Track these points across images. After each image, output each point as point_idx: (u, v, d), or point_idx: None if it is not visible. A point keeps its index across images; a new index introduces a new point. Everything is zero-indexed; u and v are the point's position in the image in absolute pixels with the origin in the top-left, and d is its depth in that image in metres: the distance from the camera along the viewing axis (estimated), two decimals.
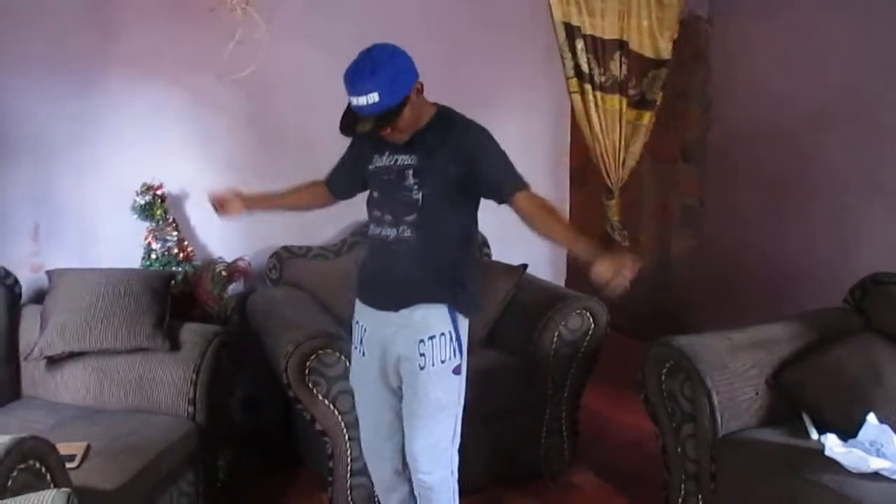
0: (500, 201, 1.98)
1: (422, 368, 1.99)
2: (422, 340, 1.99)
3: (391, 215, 1.99)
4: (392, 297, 2.03)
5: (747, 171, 3.79)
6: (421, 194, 1.94)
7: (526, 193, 1.95)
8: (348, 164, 2.19)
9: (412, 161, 1.96)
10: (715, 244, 4.01)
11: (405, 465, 2.17)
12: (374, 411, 2.17)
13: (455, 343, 2.01)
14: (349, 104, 1.89)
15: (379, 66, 1.81)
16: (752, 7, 3.70)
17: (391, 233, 2.00)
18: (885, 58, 3.06)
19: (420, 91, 1.92)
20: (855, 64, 3.19)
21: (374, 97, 1.81)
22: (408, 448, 2.08)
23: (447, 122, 1.99)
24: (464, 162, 1.93)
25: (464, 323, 2.05)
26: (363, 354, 2.13)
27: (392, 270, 2.03)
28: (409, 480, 2.19)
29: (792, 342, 2.44)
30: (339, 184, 2.26)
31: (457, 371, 2.03)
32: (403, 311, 2.01)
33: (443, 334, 1.99)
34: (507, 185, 1.96)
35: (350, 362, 2.27)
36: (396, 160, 1.98)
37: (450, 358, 2.01)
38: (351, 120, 1.89)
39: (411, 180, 1.95)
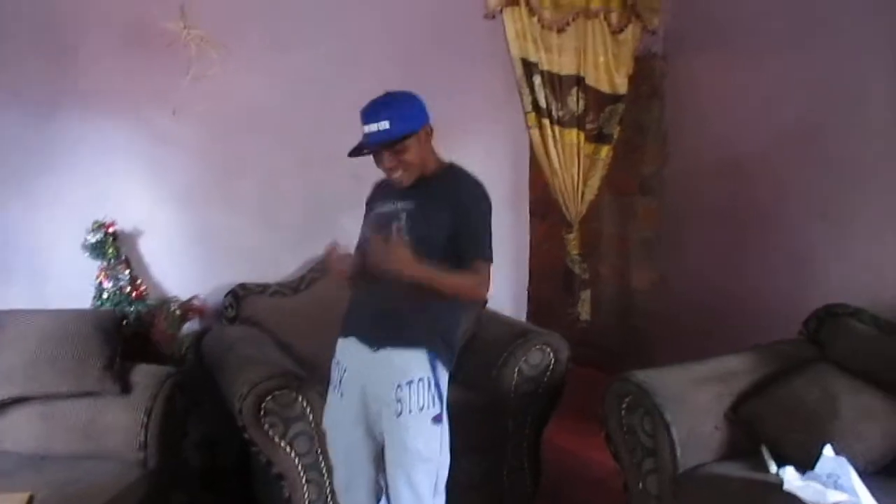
0: (461, 261, 1.97)
1: (399, 415, 1.95)
2: (399, 385, 1.95)
3: None
4: (375, 328, 2.02)
5: (703, 204, 3.84)
6: (409, 238, 1.96)
7: (479, 264, 1.97)
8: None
9: (409, 206, 2.01)
10: (673, 276, 4.05)
11: None
12: (350, 455, 2.12)
13: (434, 391, 1.97)
14: (360, 141, 1.99)
15: (394, 99, 1.99)
16: (703, 45, 3.78)
17: None
18: (831, 92, 3.13)
19: (429, 136, 2.03)
20: (803, 98, 3.26)
21: (384, 124, 1.93)
22: (392, 500, 2.02)
23: (453, 177, 2.04)
24: (454, 216, 1.96)
25: (443, 373, 2.02)
26: (341, 396, 2.09)
27: (380, 298, 2.01)
28: None
29: (750, 374, 2.46)
30: None
31: (437, 420, 1.97)
32: (382, 353, 2.00)
33: (421, 380, 1.96)
34: (469, 250, 1.97)
35: (304, 404, 2.23)
36: (396, 204, 2.03)
37: (428, 405, 1.96)
38: (359, 149, 2.00)
39: (403, 222, 1.99)
